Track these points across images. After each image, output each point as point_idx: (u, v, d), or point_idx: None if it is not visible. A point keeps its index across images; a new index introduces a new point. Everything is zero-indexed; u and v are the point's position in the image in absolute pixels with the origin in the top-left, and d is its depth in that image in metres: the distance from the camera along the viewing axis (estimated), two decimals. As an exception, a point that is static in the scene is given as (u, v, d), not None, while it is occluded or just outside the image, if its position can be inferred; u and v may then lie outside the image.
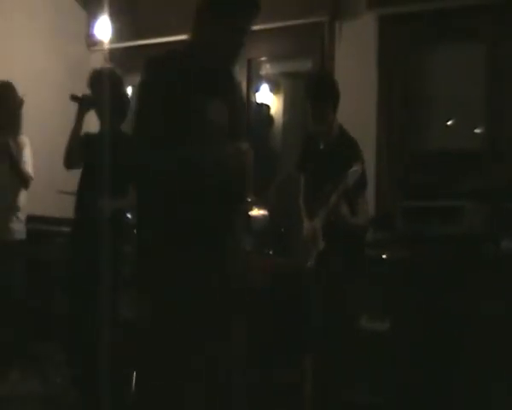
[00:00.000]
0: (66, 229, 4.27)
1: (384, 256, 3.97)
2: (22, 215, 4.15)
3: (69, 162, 3.50)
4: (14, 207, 4.09)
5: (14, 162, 4.03)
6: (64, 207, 4.22)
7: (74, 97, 3.43)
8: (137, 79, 4.40)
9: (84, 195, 3.43)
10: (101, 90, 3.38)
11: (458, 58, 4.56)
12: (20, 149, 4.07)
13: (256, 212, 4.28)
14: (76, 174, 3.53)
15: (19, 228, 4.12)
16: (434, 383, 3.49)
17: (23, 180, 4.07)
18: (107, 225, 3.27)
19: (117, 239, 3.37)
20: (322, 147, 3.38)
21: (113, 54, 4.30)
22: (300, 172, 3.62)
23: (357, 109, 4.49)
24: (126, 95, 3.64)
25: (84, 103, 3.45)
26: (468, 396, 3.37)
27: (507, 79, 4.18)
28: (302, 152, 3.64)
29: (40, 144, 4.57)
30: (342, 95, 4.28)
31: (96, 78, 3.47)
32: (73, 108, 3.62)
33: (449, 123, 4.70)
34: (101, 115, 3.46)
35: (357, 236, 3.41)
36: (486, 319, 3.39)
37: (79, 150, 3.48)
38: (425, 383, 3.49)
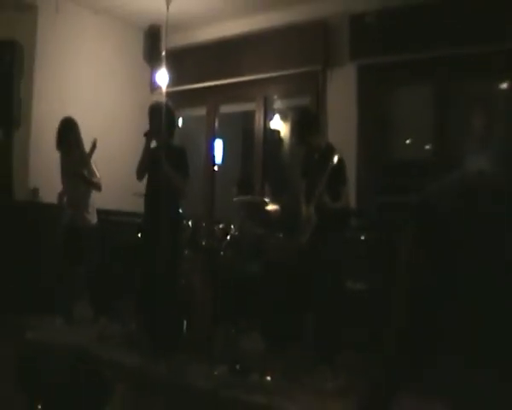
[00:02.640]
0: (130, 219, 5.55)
1: (362, 238, 4.84)
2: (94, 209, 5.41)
3: (140, 175, 4.68)
4: (89, 204, 5.34)
5: (88, 183, 5.24)
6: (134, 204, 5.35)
7: (145, 134, 4.62)
8: (186, 112, 5.61)
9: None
10: (157, 118, 4.50)
11: (415, 96, 5.41)
12: (88, 160, 5.19)
13: (271, 207, 5.05)
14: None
15: (92, 218, 5.36)
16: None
17: (96, 188, 5.31)
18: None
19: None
20: (315, 157, 4.39)
21: (170, 96, 4.94)
22: (303, 177, 4.49)
23: (344, 133, 5.35)
24: (175, 119, 4.75)
25: (149, 137, 4.61)
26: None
27: (450, 111, 4.97)
28: (303, 163, 4.57)
29: (114, 169, 5.90)
30: (332, 122, 5.24)
31: (154, 108, 4.58)
32: (137, 140, 4.78)
33: (407, 141, 5.56)
34: (157, 135, 4.57)
35: (339, 215, 4.20)
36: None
37: (147, 166, 4.64)
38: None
